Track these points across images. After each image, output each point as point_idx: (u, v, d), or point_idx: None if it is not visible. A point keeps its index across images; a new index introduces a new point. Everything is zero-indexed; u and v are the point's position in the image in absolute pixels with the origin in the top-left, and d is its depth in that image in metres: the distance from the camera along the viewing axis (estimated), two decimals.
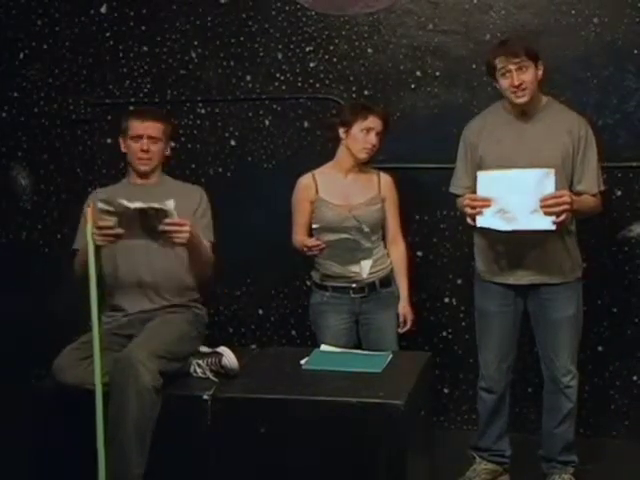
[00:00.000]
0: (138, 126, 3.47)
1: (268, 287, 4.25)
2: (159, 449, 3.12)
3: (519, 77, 3.27)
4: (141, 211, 3.04)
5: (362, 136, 3.58)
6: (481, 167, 3.38)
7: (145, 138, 3.46)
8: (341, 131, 3.62)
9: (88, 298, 3.06)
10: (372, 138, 3.58)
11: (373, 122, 3.58)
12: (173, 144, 3.65)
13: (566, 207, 3.19)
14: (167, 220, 3.08)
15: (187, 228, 3.12)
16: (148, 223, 3.08)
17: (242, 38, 4.15)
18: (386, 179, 3.73)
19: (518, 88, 3.27)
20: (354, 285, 3.65)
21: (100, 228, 3.11)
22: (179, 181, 3.67)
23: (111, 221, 3.08)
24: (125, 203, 3.05)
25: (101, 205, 3.08)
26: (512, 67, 3.27)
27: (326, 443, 3.07)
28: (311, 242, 3.51)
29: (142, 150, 3.46)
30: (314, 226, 3.56)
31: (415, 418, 3.23)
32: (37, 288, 4.35)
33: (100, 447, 3.04)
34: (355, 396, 3.07)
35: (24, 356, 4.23)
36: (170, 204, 3.07)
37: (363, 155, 3.61)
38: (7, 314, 4.31)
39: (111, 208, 3.05)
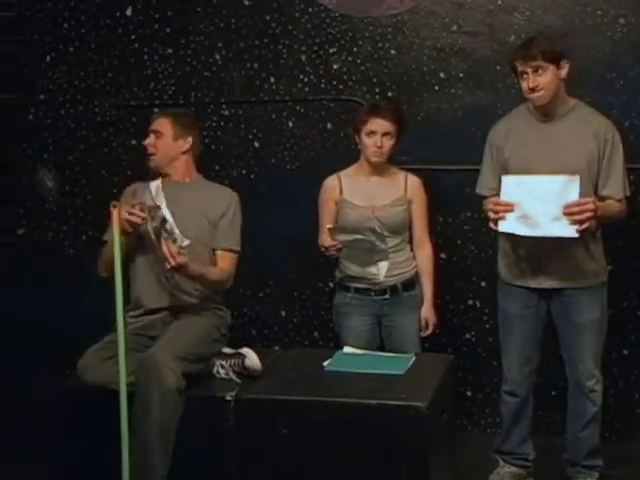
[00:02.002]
0: (150, 123, 3.58)
1: (291, 289, 4.25)
2: (182, 450, 3.14)
3: (535, 79, 3.25)
4: (164, 220, 3.20)
5: (367, 140, 3.60)
6: (507, 169, 3.37)
7: (151, 134, 3.52)
8: (355, 137, 3.66)
9: (113, 299, 3.09)
10: (377, 140, 3.58)
11: (375, 125, 3.58)
12: (192, 140, 3.58)
13: (590, 214, 3.15)
14: (172, 245, 3.20)
15: (177, 262, 3.19)
16: (160, 232, 3.22)
17: (266, 40, 4.15)
18: (413, 181, 3.72)
19: (533, 90, 3.26)
20: (375, 287, 3.65)
21: (133, 206, 3.21)
22: (214, 183, 3.70)
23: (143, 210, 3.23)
24: (160, 205, 3.25)
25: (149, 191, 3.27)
26: (528, 69, 3.26)
27: (348, 445, 3.08)
28: (327, 242, 3.52)
29: (147, 145, 3.52)
30: (328, 226, 3.56)
31: (438, 420, 3.22)
32: (62, 288, 4.37)
33: (124, 447, 3.06)
34: (378, 398, 3.07)
35: (45, 356, 4.25)
36: (184, 242, 3.23)
37: (374, 158, 3.62)
38: (31, 314, 4.35)
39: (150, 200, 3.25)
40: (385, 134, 3.58)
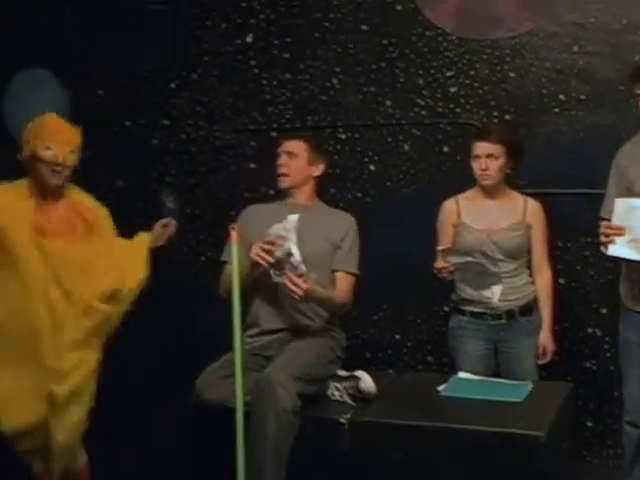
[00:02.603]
0: (281, 143, 3.62)
1: (406, 312, 4.23)
2: (295, 470, 3.16)
3: None
4: (289, 253, 3.24)
5: (474, 163, 3.61)
6: (631, 192, 3.27)
7: (284, 154, 3.57)
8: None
9: (231, 318, 3.14)
10: (481, 163, 3.57)
11: (479, 148, 3.58)
12: (323, 166, 3.68)
13: None
14: (292, 274, 3.24)
15: (300, 292, 3.24)
16: (283, 262, 3.26)
17: (383, 64, 4.18)
18: (533, 205, 3.67)
19: None
20: (491, 311, 3.60)
21: (269, 244, 3.27)
22: (331, 207, 3.75)
23: (276, 248, 3.27)
24: (292, 238, 3.25)
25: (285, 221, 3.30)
26: None
27: (463, 473, 3.03)
28: (439, 264, 3.50)
29: (279, 165, 3.57)
30: (439, 248, 3.55)
31: (556, 450, 3.14)
32: (182, 308, 4.48)
33: (240, 465, 3.09)
34: (494, 425, 3.02)
35: (167, 374, 4.35)
36: (306, 272, 3.24)
37: (482, 182, 3.62)
38: (151, 333, 4.46)
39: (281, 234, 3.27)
40: (489, 156, 3.56)
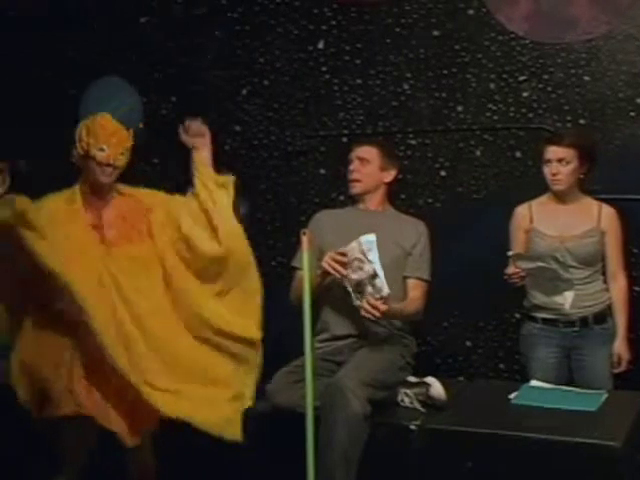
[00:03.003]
0: (353, 149, 3.63)
1: (476, 319, 4.19)
2: (365, 475, 3.16)
3: None
4: (374, 275, 3.24)
5: (545, 168, 3.56)
6: None
7: (355, 160, 3.57)
8: None
9: (301, 323, 3.16)
10: (552, 168, 3.52)
11: (550, 152, 3.53)
12: (395, 172, 3.70)
13: None
14: (371, 299, 3.24)
15: (377, 314, 3.25)
16: (364, 285, 3.27)
17: (454, 69, 4.16)
18: (608, 211, 3.60)
19: None
20: (563, 318, 3.55)
21: (341, 255, 3.28)
22: (402, 213, 3.76)
23: (346, 258, 3.28)
24: (376, 259, 3.24)
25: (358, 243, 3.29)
26: None
27: None
28: (510, 269, 3.47)
29: (351, 171, 3.58)
30: (508, 253, 3.51)
31: (633, 461, 3.07)
32: None
33: (310, 471, 3.10)
34: (568, 435, 2.97)
35: None
36: (387, 292, 3.24)
37: (553, 187, 3.57)
38: None
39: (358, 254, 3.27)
40: (560, 160, 3.51)
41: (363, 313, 3.28)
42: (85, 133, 3.26)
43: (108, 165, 3.24)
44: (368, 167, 3.59)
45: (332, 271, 3.31)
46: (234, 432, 3.22)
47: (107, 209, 3.33)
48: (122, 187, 3.39)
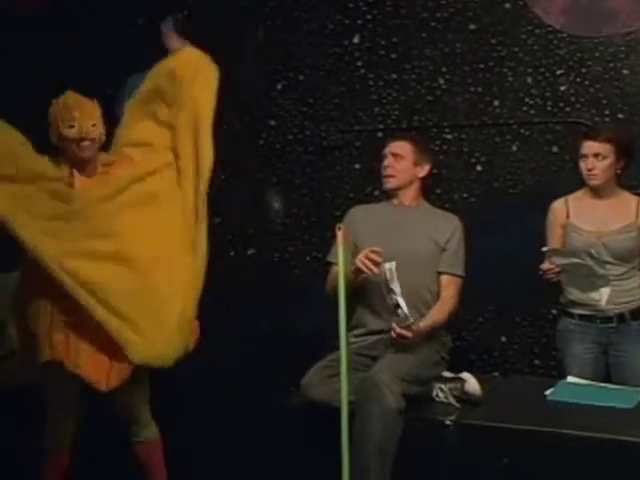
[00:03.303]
0: (387, 145, 3.62)
1: (512, 314, 4.17)
2: (399, 471, 3.16)
3: None
4: (397, 305, 3.30)
5: (581, 163, 3.52)
6: None
7: (389, 155, 3.57)
8: None
9: (336, 317, 3.17)
10: (588, 163, 3.48)
11: (585, 147, 3.49)
12: (429, 167, 3.71)
13: None
14: (398, 328, 3.29)
15: (405, 342, 3.30)
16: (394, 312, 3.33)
17: (491, 63, 4.13)
18: None
19: None
20: (600, 314, 3.52)
21: (372, 252, 3.29)
22: (436, 208, 3.76)
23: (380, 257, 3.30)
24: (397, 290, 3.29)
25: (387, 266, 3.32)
26: None
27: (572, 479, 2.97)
28: (545, 265, 3.45)
29: (385, 167, 3.58)
30: (543, 249, 3.49)
31: None
32: (286, 307, 4.54)
33: (345, 465, 3.11)
34: (604, 432, 2.96)
35: (269, 373, 4.41)
36: (413, 321, 3.30)
37: (589, 182, 3.54)
38: (257, 332, 4.54)
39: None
40: (596, 155, 3.47)
41: (393, 337, 3.34)
42: (53, 117, 3.29)
43: (82, 140, 3.25)
44: (402, 162, 3.59)
45: (365, 269, 3.33)
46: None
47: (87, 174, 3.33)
48: (106, 156, 3.38)
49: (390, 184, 3.62)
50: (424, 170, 3.66)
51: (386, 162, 3.61)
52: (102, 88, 4.65)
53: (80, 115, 3.25)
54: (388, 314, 3.40)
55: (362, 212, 3.70)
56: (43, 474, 3.33)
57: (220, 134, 4.61)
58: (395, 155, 3.60)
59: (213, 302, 4.58)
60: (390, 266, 3.30)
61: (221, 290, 4.63)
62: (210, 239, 4.67)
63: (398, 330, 3.28)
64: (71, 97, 3.32)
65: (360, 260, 3.33)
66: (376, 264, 3.30)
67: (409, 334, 3.29)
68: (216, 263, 4.67)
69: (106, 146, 3.41)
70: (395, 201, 3.66)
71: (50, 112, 3.31)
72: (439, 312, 3.50)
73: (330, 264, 3.61)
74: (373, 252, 3.31)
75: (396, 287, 3.29)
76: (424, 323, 3.40)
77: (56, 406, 3.30)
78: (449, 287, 3.54)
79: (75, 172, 3.31)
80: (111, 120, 3.46)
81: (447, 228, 3.58)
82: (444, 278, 3.55)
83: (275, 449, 3.68)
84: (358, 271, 3.36)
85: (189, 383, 4.34)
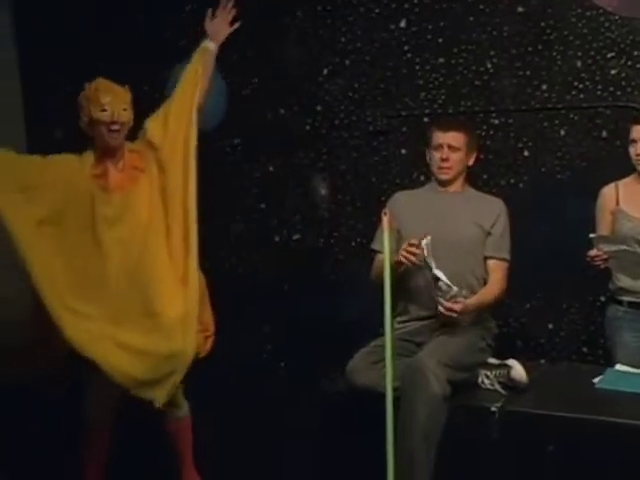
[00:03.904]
0: (439, 135, 3.57)
1: (559, 301, 4.12)
2: (444, 457, 3.15)
3: None
4: (436, 279, 3.32)
5: (630, 149, 3.47)
6: None
7: (445, 147, 3.55)
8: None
9: (382, 304, 3.16)
10: (637, 148, 3.44)
11: (636, 132, 3.44)
12: (476, 154, 3.73)
13: None
14: (444, 302, 3.29)
15: (454, 315, 3.29)
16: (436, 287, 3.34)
17: (539, 46, 4.07)
18: None
19: None
20: None
21: (411, 245, 3.28)
22: (480, 192, 3.73)
23: (418, 247, 3.32)
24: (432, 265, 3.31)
25: (423, 243, 3.34)
26: None
27: (617, 468, 2.94)
28: (593, 252, 3.40)
29: (441, 159, 3.55)
30: (590, 236, 3.44)
31: None
32: (331, 293, 4.54)
33: (389, 451, 3.11)
34: None
35: (314, 358, 4.43)
36: (462, 292, 3.30)
37: (638, 167, 3.48)
38: (301, 318, 4.55)
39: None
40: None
41: (442, 315, 3.33)
42: (84, 101, 3.40)
43: (113, 122, 3.36)
44: (458, 153, 3.59)
45: (406, 262, 3.34)
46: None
47: (117, 166, 3.45)
48: (130, 145, 3.51)
49: (447, 176, 3.61)
50: (473, 158, 3.67)
51: (443, 154, 3.58)
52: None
53: (112, 99, 3.37)
54: (432, 299, 3.40)
55: (406, 198, 3.70)
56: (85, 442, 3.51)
57: (266, 120, 4.67)
58: (451, 147, 3.58)
59: (258, 287, 4.65)
60: (426, 241, 3.32)
61: (266, 276, 4.68)
62: (255, 224, 4.75)
63: (446, 304, 3.27)
64: (102, 82, 3.44)
65: (401, 253, 3.34)
66: (415, 255, 3.30)
67: (457, 306, 3.27)
68: (261, 249, 4.73)
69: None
70: (440, 187, 3.64)
71: (81, 97, 3.43)
72: (487, 293, 3.49)
73: (375, 252, 3.61)
74: (411, 245, 3.33)
75: (432, 262, 3.31)
76: (471, 301, 3.38)
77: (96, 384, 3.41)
78: (496, 271, 3.53)
79: (108, 165, 3.43)
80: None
81: (492, 212, 3.57)
82: (491, 262, 3.54)
83: (320, 435, 3.70)
84: (399, 264, 3.36)
85: (234, 368, 4.39)
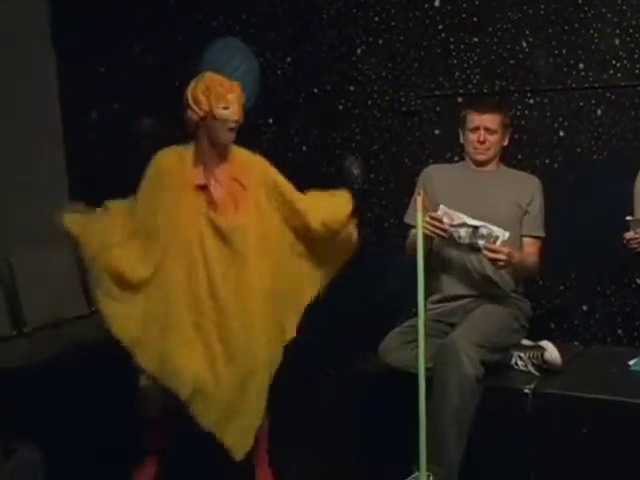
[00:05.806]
0: (476, 118, 3.54)
1: (594, 283, 4.08)
2: (476, 438, 3.15)
3: None
4: (475, 229, 3.26)
5: None
6: None
7: (482, 129, 3.53)
8: None
9: (414, 284, 3.15)
10: None
11: None
12: (510, 134, 3.71)
13: None
14: (489, 245, 3.25)
15: (503, 257, 3.24)
16: (477, 236, 3.28)
17: (576, 25, 4.01)
18: None
19: None
20: None
21: (432, 219, 3.25)
22: (515, 170, 3.72)
23: (442, 216, 3.29)
24: (464, 218, 3.27)
25: (441, 212, 3.32)
26: None
27: None
28: (629, 235, 3.36)
29: (479, 141, 3.53)
30: (626, 218, 3.40)
31: None
32: (364, 273, 4.53)
33: (421, 431, 3.11)
34: None
35: (347, 338, 4.43)
36: (504, 234, 3.25)
37: None
38: (335, 299, 4.55)
39: (448, 221, 3.30)
40: None
41: (491, 259, 3.28)
42: (204, 94, 3.23)
43: (235, 121, 3.25)
44: (495, 136, 3.58)
45: (432, 234, 3.32)
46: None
47: (219, 171, 3.33)
48: (236, 149, 3.39)
49: (484, 156, 3.60)
50: (506, 139, 3.67)
51: (480, 137, 3.55)
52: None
53: (234, 97, 3.26)
54: (465, 278, 3.38)
55: (439, 173, 3.68)
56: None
57: (301, 100, 4.66)
58: (488, 130, 3.56)
59: None
60: (443, 209, 3.33)
61: None
62: None
63: (491, 246, 3.25)
64: (220, 78, 3.30)
65: (425, 228, 3.28)
66: (441, 229, 3.29)
67: (502, 249, 3.25)
68: None
69: None
70: (473, 165, 3.62)
71: (196, 91, 3.25)
72: (527, 255, 3.50)
73: (409, 226, 3.61)
74: (432, 217, 3.31)
75: (458, 219, 3.30)
76: (517, 254, 3.36)
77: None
78: (530, 247, 3.55)
79: (202, 157, 3.31)
80: None
81: (528, 190, 3.56)
82: (527, 240, 3.55)
83: (353, 414, 3.71)
84: (429, 238, 3.34)
85: None
